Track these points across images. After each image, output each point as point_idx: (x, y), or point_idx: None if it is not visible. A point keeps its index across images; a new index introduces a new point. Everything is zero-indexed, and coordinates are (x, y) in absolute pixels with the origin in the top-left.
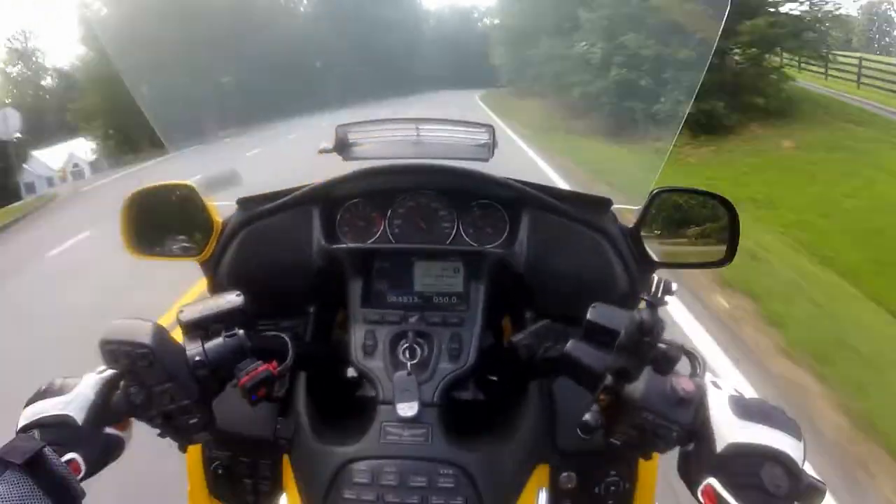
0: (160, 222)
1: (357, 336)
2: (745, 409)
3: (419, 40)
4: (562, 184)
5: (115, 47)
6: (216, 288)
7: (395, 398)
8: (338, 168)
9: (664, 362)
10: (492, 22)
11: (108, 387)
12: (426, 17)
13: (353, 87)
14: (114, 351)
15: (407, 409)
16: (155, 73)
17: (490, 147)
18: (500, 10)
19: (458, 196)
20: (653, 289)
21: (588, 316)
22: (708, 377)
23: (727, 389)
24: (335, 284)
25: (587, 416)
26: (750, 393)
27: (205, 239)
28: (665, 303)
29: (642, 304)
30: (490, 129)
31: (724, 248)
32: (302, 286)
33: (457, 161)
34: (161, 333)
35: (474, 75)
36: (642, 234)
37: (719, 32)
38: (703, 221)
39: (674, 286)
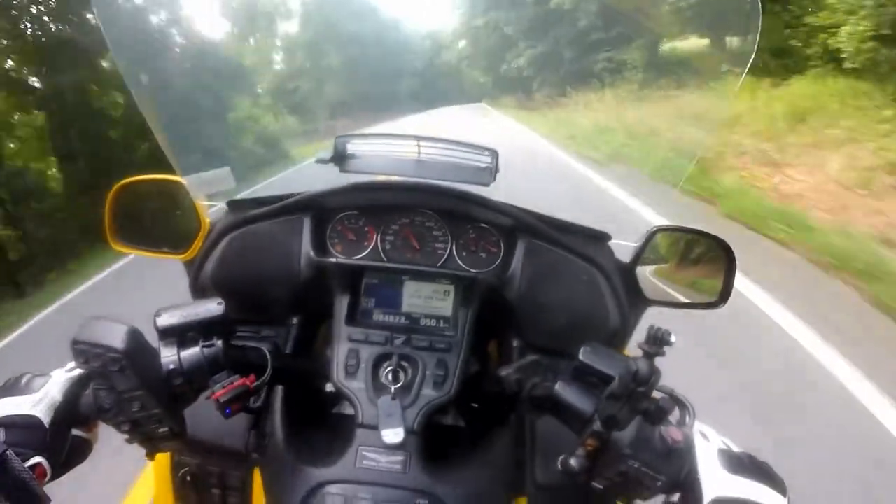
0: (146, 216)
1: (339, 354)
2: (733, 463)
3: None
4: None
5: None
6: (198, 289)
7: (380, 423)
8: (334, 179)
9: (657, 413)
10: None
11: (77, 387)
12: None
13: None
14: (85, 352)
15: (392, 435)
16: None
17: (492, 171)
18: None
19: (454, 218)
20: (650, 337)
21: (580, 356)
22: (696, 426)
23: (715, 441)
24: (321, 297)
25: (572, 460)
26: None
27: (191, 238)
28: (662, 353)
29: (639, 353)
30: (493, 153)
31: (717, 289)
32: (287, 296)
33: (456, 184)
34: (136, 338)
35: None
36: (637, 270)
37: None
38: (699, 261)
39: (672, 338)
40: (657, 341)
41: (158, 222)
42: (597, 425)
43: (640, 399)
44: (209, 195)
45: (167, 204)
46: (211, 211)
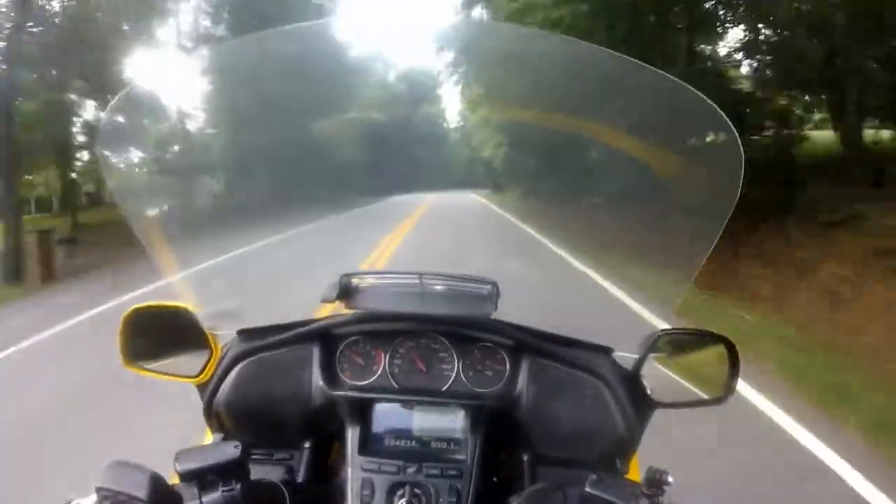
0: (158, 340)
1: (354, 484)
2: None
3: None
4: None
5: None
6: (211, 414)
7: None
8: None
9: None
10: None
11: None
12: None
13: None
14: (110, 497)
15: None
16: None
17: (493, 301)
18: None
19: (459, 339)
20: (649, 479)
21: (587, 487)
22: None
23: None
24: (332, 422)
25: None
26: None
27: (202, 362)
28: (662, 492)
29: (640, 495)
30: (493, 284)
31: (721, 385)
32: (299, 423)
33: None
34: (158, 484)
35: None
36: (642, 375)
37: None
38: (703, 359)
39: (670, 478)
40: (656, 483)
41: (170, 346)
42: None
43: None
44: (218, 323)
45: (178, 328)
46: (221, 335)
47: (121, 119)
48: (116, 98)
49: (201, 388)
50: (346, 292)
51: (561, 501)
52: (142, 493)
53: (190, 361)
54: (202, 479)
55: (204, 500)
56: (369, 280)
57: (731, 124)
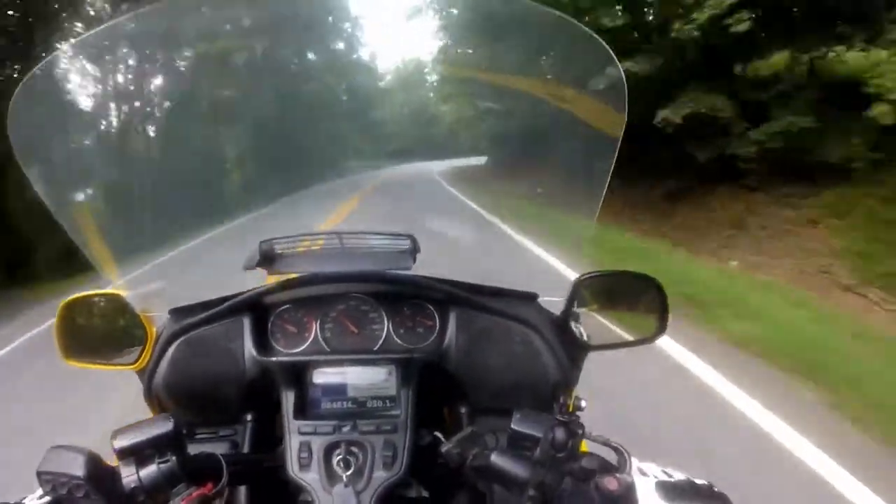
0: (95, 330)
1: (292, 448)
2: (673, 493)
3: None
4: None
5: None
6: (152, 397)
7: None
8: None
9: (582, 473)
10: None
11: None
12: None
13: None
14: (51, 481)
15: None
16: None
17: (411, 255)
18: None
19: (388, 298)
20: (564, 405)
21: (512, 424)
22: (634, 464)
23: (653, 474)
24: (270, 392)
25: None
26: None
27: (139, 348)
28: (576, 417)
29: (557, 423)
30: (411, 237)
31: (653, 323)
32: (237, 396)
33: (380, 269)
34: (95, 463)
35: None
36: (572, 320)
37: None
38: (631, 300)
39: (583, 403)
40: (571, 407)
41: (107, 335)
42: (531, 492)
43: (565, 462)
44: (150, 305)
45: (112, 316)
46: (155, 318)
47: (38, 95)
48: (34, 70)
49: (140, 373)
50: (266, 258)
51: (492, 442)
52: (80, 472)
53: (130, 347)
54: (139, 454)
55: (141, 473)
56: (288, 244)
57: (614, 56)
